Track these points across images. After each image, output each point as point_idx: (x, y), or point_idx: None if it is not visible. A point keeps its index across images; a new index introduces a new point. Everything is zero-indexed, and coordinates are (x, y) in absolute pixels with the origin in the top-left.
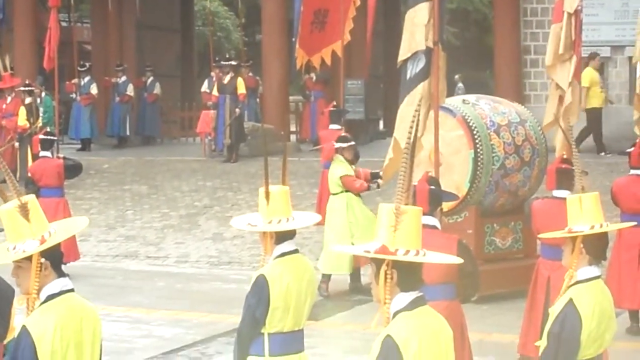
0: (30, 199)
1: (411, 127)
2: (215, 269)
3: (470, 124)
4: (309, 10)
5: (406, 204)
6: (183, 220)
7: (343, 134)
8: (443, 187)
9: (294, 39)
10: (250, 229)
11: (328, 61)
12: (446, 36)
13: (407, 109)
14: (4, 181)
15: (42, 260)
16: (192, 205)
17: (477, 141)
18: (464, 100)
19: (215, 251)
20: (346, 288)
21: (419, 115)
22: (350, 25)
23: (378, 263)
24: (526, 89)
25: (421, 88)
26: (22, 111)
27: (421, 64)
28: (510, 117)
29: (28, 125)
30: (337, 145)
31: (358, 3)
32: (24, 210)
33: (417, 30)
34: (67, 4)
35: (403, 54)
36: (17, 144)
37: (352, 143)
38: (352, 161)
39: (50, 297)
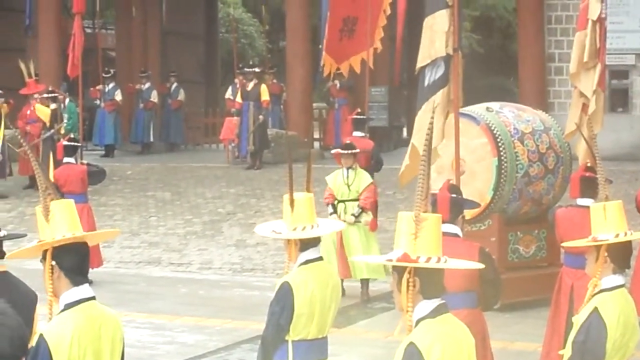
0: (64, 202)
1: (428, 135)
2: (238, 275)
3: (494, 132)
4: (337, 17)
5: (425, 212)
6: (206, 226)
7: (347, 142)
8: (466, 195)
9: (320, 46)
10: (274, 237)
11: (357, 69)
12: (470, 43)
13: (426, 115)
14: (30, 186)
15: (53, 263)
16: (215, 212)
17: (500, 149)
18: (487, 108)
19: (239, 258)
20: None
21: (433, 122)
22: (381, 33)
23: (400, 271)
24: (550, 97)
25: (440, 95)
26: (46, 111)
27: (440, 71)
28: (534, 124)
29: (48, 124)
30: (334, 151)
31: (389, 12)
32: (45, 211)
33: (436, 37)
34: (92, 10)
35: (422, 61)
36: (42, 138)
37: (350, 150)
38: (351, 167)
39: (69, 306)
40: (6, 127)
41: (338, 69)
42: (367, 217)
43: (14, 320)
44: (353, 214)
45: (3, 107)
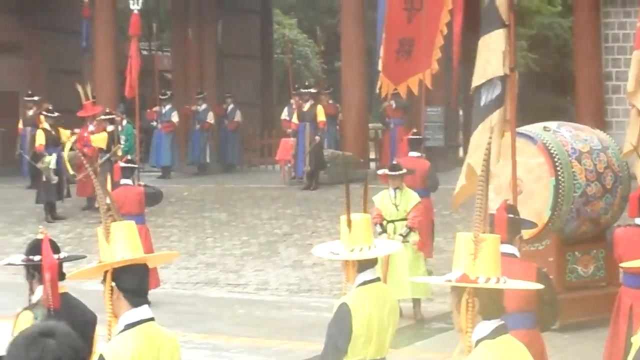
0: (125, 224)
1: (485, 155)
2: (295, 296)
3: (551, 151)
4: (393, 38)
5: (484, 232)
6: (263, 247)
7: (394, 163)
8: (524, 215)
9: (379, 70)
10: (332, 258)
11: (415, 90)
12: (526, 62)
13: (482, 135)
14: (88, 207)
15: (112, 284)
16: (271, 233)
17: (558, 168)
18: (544, 127)
19: (295, 278)
20: (426, 316)
21: (491, 143)
22: (438, 54)
23: (459, 292)
24: (608, 116)
25: (497, 115)
26: (102, 137)
27: (497, 90)
28: (592, 144)
29: (105, 147)
30: (381, 172)
31: (445, 32)
32: (106, 232)
33: (492, 57)
34: (148, 32)
35: (477, 80)
36: (99, 163)
37: (398, 172)
38: (398, 187)
39: (128, 327)
40: (70, 149)
41: (395, 89)
42: (415, 237)
43: (77, 342)
44: (401, 234)
45: (68, 137)
